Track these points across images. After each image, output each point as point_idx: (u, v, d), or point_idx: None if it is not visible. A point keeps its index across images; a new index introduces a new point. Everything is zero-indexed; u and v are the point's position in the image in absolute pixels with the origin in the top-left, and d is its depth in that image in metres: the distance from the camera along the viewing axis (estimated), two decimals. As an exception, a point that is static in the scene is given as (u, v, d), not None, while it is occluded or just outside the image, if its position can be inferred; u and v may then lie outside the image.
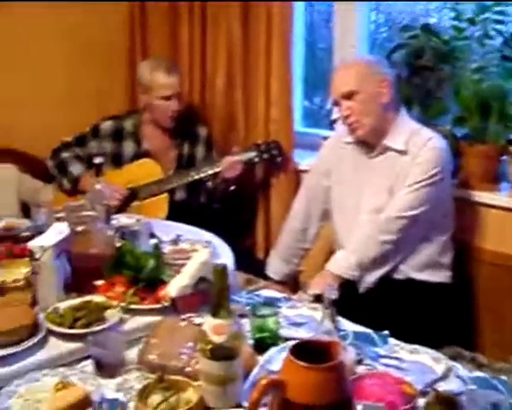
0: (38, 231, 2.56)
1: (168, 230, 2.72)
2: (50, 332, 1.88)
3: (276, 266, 3.05)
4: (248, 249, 3.65)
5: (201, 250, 2.22)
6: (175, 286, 1.99)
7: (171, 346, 1.77)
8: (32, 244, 1.99)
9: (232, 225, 3.50)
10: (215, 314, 1.57)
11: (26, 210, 3.40)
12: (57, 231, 2.06)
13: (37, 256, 1.97)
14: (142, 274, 2.05)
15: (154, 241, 2.42)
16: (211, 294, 1.98)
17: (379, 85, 2.57)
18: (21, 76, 3.77)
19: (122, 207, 3.15)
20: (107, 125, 3.40)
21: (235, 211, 3.57)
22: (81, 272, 2.10)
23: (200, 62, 3.77)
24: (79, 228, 2.14)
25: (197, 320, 1.93)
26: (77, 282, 2.10)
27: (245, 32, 3.55)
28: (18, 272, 2.17)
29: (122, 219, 2.64)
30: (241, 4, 3.52)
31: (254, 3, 3.46)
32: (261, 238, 3.63)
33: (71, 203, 2.50)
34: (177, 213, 3.24)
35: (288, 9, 3.32)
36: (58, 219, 2.28)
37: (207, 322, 1.58)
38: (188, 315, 1.98)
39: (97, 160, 2.47)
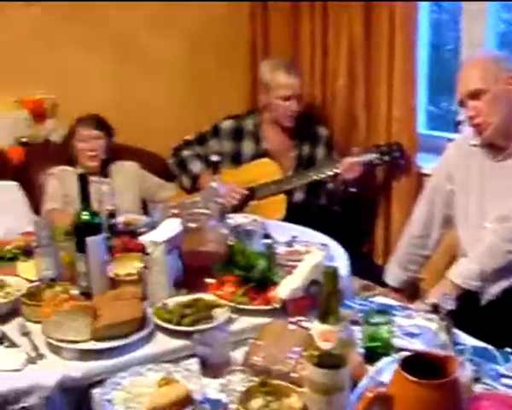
0: (154, 227, 2.60)
1: (284, 231, 2.67)
2: (158, 327, 1.87)
3: (394, 272, 2.92)
4: (367, 254, 3.55)
5: (315, 252, 2.14)
6: (286, 288, 1.94)
7: (277, 349, 1.71)
8: (144, 239, 2.00)
9: (351, 229, 3.41)
10: (323, 320, 1.49)
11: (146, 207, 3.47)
12: (170, 227, 2.05)
13: (149, 251, 1.97)
14: (252, 274, 2.01)
15: (267, 241, 2.37)
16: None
17: (508, 83, 2.40)
18: (143, 77, 3.87)
19: (239, 207, 3.13)
20: (227, 125, 3.41)
21: (355, 214, 3.48)
22: (192, 269, 2.09)
23: (322, 61, 3.72)
24: (192, 225, 2.12)
25: (306, 324, 1.86)
26: (187, 279, 2.09)
27: (367, 31, 3.46)
28: (131, 265, 2.20)
29: (238, 219, 2.63)
30: (362, 4, 3.43)
31: (376, 3, 3.36)
32: (380, 243, 3.52)
33: (185, 200, 2.50)
34: (295, 214, 3.18)
35: (411, 9, 3.20)
36: (172, 216, 2.27)
37: (315, 327, 1.50)
38: (297, 319, 1.92)
39: (214, 158, 2.45)
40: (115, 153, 3.48)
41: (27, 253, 2.44)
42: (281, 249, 2.43)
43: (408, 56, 3.24)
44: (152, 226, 2.57)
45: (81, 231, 2.00)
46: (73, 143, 3.36)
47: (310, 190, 3.34)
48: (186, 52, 4.01)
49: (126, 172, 3.42)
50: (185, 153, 3.39)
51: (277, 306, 1.96)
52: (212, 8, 3.93)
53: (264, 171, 3.28)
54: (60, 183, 3.32)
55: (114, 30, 3.80)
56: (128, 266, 2.20)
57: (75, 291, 2.04)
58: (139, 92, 3.90)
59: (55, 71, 3.70)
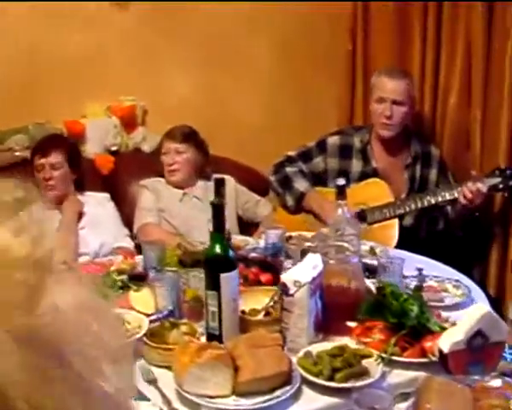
0: (267, 252, 2.38)
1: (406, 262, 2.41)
2: (304, 381, 1.64)
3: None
4: (478, 282, 3.27)
5: (479, 304, 1.89)
6: (449, 340, 1.69)
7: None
8: (286, 278, 1.76)
9: (461, 255, 3.14)
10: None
11: (240, 224, 3.26)
12: (311, 264, 1.82)
13: (291, 292, 1.74)
14: (407, 321, 1.76)
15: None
16: (485, 352, 1.72)
17: None
18: (237, 85, 3.67)
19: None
20: (334, 141, 3.16)
21: (472, 240, 3.20)
22: (333, 311, 1.85)
23: (433, 73, 3.44)
24: (332, 262, 1.88)
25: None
26: (326, 321, 1.86)
27: (488, 39, 3.17)
28: (256, 301, 1.98)
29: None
30: (483, 4, 3.14)
31: (500, 3, 3.07)
32: (494, 272, 3.23)
33: (320, 232, 2.26)
34: (404, 239, 2.93)
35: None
36: (306, 250, 2.04)
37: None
38: (459, 375, 1.67)
39: (340, 181, 2.20)
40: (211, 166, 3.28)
41: (134, 279, 2.25)
42: (413, 285, 2.20)
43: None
44: (265, 252, 2.38)
45: (213, 266, 1.78)
46: (161, 156, 3.18)
47: (420, 214, 3.08)
48: (279, 56, 3.77)
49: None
50: (289, 169, 3.14)
51: (435, 359, 1.72)
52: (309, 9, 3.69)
53: (375, 192, 3.03)
54: (154, 195, 3.13)
55: (205, 33, 3.60)
56: (252, 302, 1.99)
57: (200, 330, 1.83)
58: (230, 100, 3.70)
59: (147, 77, 3.52)
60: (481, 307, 1.77)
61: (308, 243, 2.13)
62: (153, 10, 3.44)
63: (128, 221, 3.17)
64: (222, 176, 2.77)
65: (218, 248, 1.78)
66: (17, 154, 3.18)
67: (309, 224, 3.02)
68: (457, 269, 2.45)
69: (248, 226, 3.29)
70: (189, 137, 3.20)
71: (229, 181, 3.20)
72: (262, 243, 2.50)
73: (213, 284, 1.76)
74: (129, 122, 3.48)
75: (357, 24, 3.68)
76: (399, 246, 2.84)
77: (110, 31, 3.41)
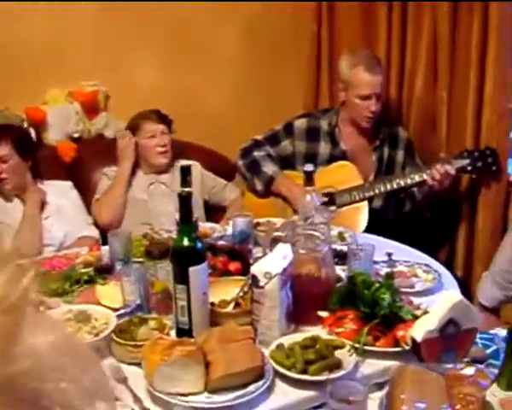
0: (235, 240, 2.34)
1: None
2: (277, 374, 1.61)
3: (487, 292, 2.67)
4: (445, 264, 3.28)
5: (451, 291, 1.87)
6: (422, 329, 1.67)
7: (425, 404, 1.45)
8: (256, 269, 1.73)
9: (430, 236, 3.15)
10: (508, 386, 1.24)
11: (206, 210, 3.21)
12: (281, 255, 1.78)
13: (261, 284, 1.70)
14: (379, 310, 1.74)
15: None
16: (457, 339, 1.71)
17: None
18: (199, 69, 3.63)
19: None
20: (301, 124, 3.12)
21: (438, 221, 3.21)
22: (304, 301, 1.83)
23: (399, 55, 3.41)
24: (302, 251, 1.85)
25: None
26: (297, 311, 1.83)
27: (454, 19, 3.15)
28: (225, 291, 1.95)
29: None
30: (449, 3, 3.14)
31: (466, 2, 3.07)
32: (461, 254, 3.24)
33: (290, 221, 2.22)
34: (373, 222, 2.92)
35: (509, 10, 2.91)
36: (276, 239, 2.01)
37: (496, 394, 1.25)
38: (432, 363, 1.66)
39: (309, 167, 2.17)
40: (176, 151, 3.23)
41: (101, 271, 2.19)
42: (383, 271, 2.18)
43: (502, 58, 2.95)
44: (234, 240, 2.34)
45: (181, 259, 1.73)
46: (138, 140, 3.09)
47: (389, 196, 3.07)
48: (245, 42, 3.73)
49: (189, 172, 3.14)
50: (256, 153, 3.09)
51: (407, 348, 1.70)
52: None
53: (343, 175, 3.00)
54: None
55: (170, 19, 3.52)
56: (221, 293, 1.95)
57: (169, 323, 1.79)
58: (195, 86, 3.65)
59: (108, 62, 3.44)
60: (453, 294, 1.75)
61: (278, 233, 2.09)
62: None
63: (90, 210, 3.11)
64: (188, 163, 2.73)
65: (186, 241, 1.73)
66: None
67: (278, 208, 2.99)
68: (425, 251, 2.44)
69: (215, 211, 3.24)
70: (166, 119, 3.17)
71: (196, 166, 3.15)
72: (230, 231, 2.47)
73: (182, 278, 1.72)
74: (91, 108, 3.40)
75: (321, 5, 3.65)
76: (368, 229, 2.83)
77: (72, 16, 3.31)
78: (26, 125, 3.18)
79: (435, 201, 3.01)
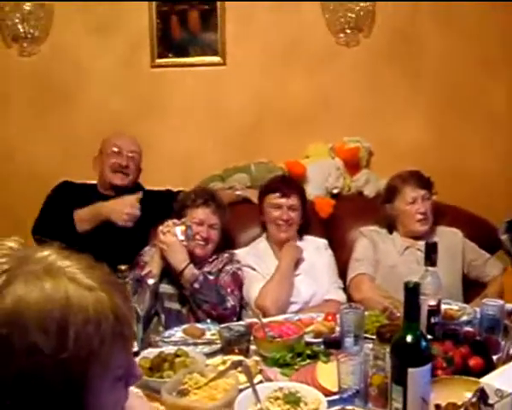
0: (485, 329, 2.08)
1: None
2: None
3: None
4: None
5: None
6: None
7: None
8: (486, 382, 1.49)
9: None
10: None
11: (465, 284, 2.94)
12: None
13: (490, 401, 1.46)
14: None
15: None
16: None
17: None
18: (466, 128, 3.36)
19: None
20: None
21: None
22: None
23: None
24: None
25: None
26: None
27: None
28: (455, 393, 1.72)
29: None
30: None
31: None
32: None
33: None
34: None
35: None
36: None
37: None
38: None
39: None
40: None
41: (330, 344, 2.09)
42: None
43: None
44: (479, 327, 2.09)
45: (401, 356, 1.56)
46: (398, 204, 2.95)
47: None
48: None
49: (448, 241, 2.91)
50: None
51: None
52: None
53: None
54: (372, 246, 2.94)
55: (437, 75, 3.35)
56: (452, 394, 1.72)
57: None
58: (462, 144, 3.42)
59: (370, 118, 3.37)
60: None
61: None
62: (388, 46, 3.27)
63: (344, 270, 3.00)
64: (434, 240, 2.52)
65: (409, 337, 1.56)
66: (238, 193, 3.17)
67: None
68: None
69: (474, 286, 2.96)
70: (428, 182, 3.00)
71: (457, 234, 2.97)
72: (478, 315, 2.21)
73: (399, 378, 1.55)
74: (352, 164, 3.35)
75: None
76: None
77: (333, 73, 3.34)
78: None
79: None
